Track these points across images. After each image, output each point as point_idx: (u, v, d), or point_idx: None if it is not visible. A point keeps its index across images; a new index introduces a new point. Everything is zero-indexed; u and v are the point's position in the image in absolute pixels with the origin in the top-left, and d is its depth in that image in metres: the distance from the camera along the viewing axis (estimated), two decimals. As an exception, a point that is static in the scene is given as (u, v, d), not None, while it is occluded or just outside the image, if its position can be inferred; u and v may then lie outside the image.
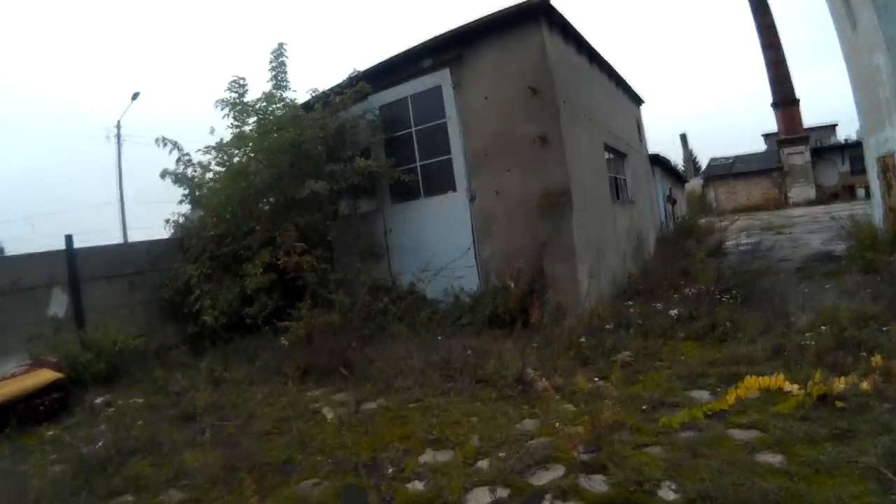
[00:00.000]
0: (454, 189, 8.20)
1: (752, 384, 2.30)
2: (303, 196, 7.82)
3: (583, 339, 5.66)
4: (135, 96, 22.80)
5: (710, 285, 7.21)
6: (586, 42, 9.23)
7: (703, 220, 22.63)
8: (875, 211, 11.02)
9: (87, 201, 56.28)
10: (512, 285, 7.09)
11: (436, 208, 8.39)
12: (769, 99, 40.50)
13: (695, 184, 42.74)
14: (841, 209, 25.48)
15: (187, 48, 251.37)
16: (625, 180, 12.07)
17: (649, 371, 4.76)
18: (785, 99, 39.03)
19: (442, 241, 8.10)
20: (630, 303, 7.63)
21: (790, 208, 34.03)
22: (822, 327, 5.05)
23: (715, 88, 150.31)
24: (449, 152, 8.20)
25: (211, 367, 6.25)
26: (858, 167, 35.60)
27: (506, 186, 7.69)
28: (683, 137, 57.56)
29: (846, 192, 35.99)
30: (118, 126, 22.95)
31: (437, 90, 8.26)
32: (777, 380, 2.32)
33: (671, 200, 19.62)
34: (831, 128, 44.89)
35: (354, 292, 7.44)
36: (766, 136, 45.16)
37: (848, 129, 48.38)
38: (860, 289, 6.57)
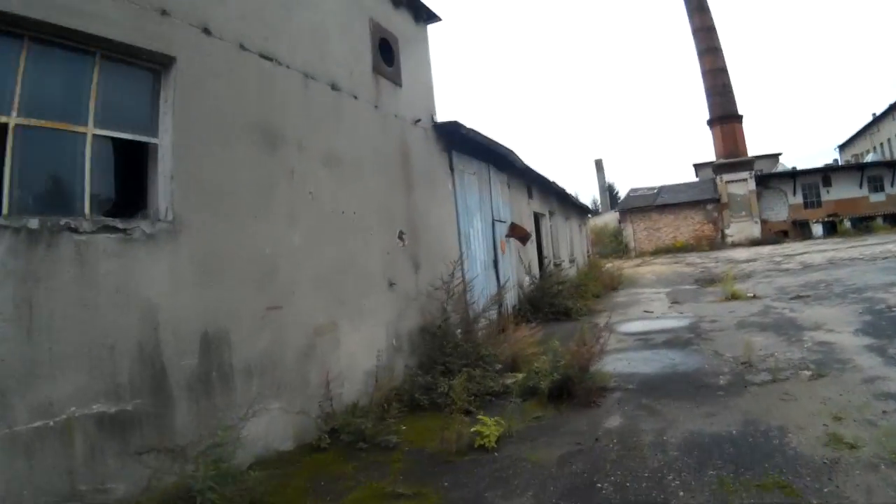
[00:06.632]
0: None
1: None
2: None
3: None
4: None
5: None
6: None
7: (608, 266, 17.21)
8: None
9: None
10: None
11: None
12: (703, 120, 32.66)
13: (608, 218, 35.19)
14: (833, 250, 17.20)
15: None
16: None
17: None
18: (725, 114, 31.45)
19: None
20: None
21: (729, 248, 27.45)
22: None
23: (644, 114, 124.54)
24: None
25: None
26: (812, 198, 30.03)
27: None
28: (599, 163, 44.64)
29: (797, 229, 29.70)
30: None
31: None
32: None
33: (519, 236, 10.87)
34: (773, 157, 36.59)
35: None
36: (699, 166, 37.66)
37: (792, 160, 40.32)
38: None
